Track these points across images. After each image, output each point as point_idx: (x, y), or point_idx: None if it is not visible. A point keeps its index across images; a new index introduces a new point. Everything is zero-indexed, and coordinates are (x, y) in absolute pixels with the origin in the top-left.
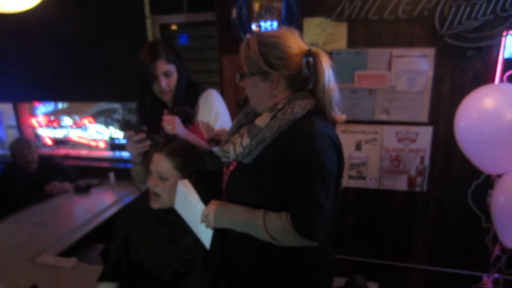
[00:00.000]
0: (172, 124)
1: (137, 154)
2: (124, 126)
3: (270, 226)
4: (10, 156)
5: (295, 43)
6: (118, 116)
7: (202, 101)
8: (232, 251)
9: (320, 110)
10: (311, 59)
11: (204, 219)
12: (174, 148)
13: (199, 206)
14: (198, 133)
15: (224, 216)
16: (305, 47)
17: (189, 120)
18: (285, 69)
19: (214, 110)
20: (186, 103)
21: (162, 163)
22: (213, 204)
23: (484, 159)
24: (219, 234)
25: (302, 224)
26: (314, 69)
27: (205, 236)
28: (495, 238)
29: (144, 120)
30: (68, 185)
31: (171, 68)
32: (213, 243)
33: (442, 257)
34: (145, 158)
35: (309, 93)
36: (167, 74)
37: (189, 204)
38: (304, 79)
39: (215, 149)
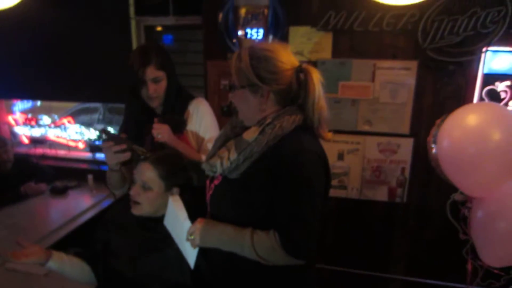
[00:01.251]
0: (163, 133)
1: (114, 163)
2: (103, 135)
3: (258, 246)
4: None
5: (287, 58)
6: (99, 115)
7: (192, 109)
8: (217, 269)
9: (308, 126)
10: (302, 75)
11: (189, 237)
12: (160, 157)
13: (186, 223)
14: (186, 141)
15: (210, 236)
16: (297, 63)
17: (178, 128)
18: (275, 83)
19: (205, 121)
20: (175, 110)
21: (147, 172)
22: (200, 223)
23: (465, 181)
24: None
25: (291, 244)
26: (304, 85)
27: (190, 254)
28: (473, 250)
29: (129, 124)
30: (44, 186)
31: (161, 74)
32: (199, 261)
33: (421, 268)
34: (123, 165)
35: (298, 108)
36: (156, 80)
37: (177, 221)
38: (294, 94)
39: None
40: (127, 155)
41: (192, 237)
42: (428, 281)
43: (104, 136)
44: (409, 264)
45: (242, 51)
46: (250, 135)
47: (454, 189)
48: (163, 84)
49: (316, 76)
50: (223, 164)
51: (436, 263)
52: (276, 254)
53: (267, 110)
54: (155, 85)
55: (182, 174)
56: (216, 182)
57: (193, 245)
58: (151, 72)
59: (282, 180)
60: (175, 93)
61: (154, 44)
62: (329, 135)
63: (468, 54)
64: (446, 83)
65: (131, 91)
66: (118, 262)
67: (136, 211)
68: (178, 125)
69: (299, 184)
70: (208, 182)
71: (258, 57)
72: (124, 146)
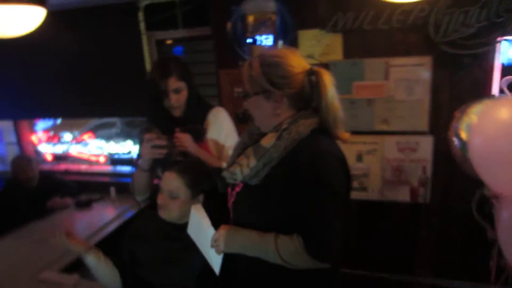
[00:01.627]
0: (185, 142)
1: (148, 159)
2: (147, 129)
3: (282, 250)
4: (11, 173)
5: (297, 61)
6: (117, 129)
7: (211, 118)
8: (242, 274)
9: (324, 129)
10: (313, 78)
11: (214, 243)
12: (185, 166)
13: (210, 231)
14: (207, 149)
15: (234, 241)
16: (307, 66)
17: (199, 137)
18: (287, 87)
19: (225, 129)
20: (195, 119)
21: (173, 181)
22: (223, 229)
23: (499, 179)
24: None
25: (314, 247)
26: (316, 87)
27: (215, 261)
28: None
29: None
30: (69, 200)
31: (182, 85)
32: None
33: (447, 270)
34: (152, 168)
35: (313, 111)
36: (177, 91)
37: (201, 228)
38: (307, 97)
39: None
40: (163, 152)
41: (217, 243)
42: (455, 282)
43: (147, 129)
44: (435, 266)
45: (252, 59)
46: (267, 141)
47: (480, 185)
48: (184, 94)
49: (327, 78)
50: (243, 171)
51: (463, 264)
52: (300, 258)
53: (282, 115)
54: (176, 95)
55: (207, 181)
56: (237, 189)
57: (218, 251)
58: (173, 83)
59: (302, 183)
60: (195, 102)
61: (173, 56)
62: (346, 135)
63: (483, 45)
64: (462, 76)
65: (152, 104)
66: (144, 272)
67: (164, 214)
68: (199, 133)
69: (319, 187)
70: (229, 189)
71: (269, 64)
72: (164, 142)
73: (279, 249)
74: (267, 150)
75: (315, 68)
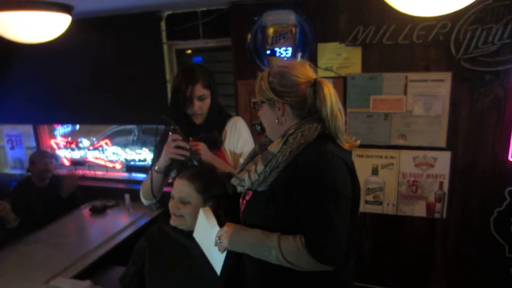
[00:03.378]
0: (198, 150)
1: (167, 160)
2: (173, 129)
3: (285, 249)
4: (28, 164)
5: (302, 72)
6: (134, 137)
7: (229, 128)
8: (249, 280)
9: (331, 136)
10: (316, 88)
11: (217, 240)
12: (195, 172)
13: (215, 229)
14: (223, 158)
15: (239, 237)
16: (313, 76)
17: (216, 145)
18: (289, 96)
19: (242, 138)
20: (214, 128)
21: (184, 188)
22: (228, 226)
23: None
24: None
25: (315, 246)
26: (318, 97)
27: (218, 261)
28: None
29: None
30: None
31: (206, 92)
32: (232, 274)
33: (462, 286)
34: (167, 170)
35: (318, 119)
36: (201, 98)
37: (207, 229)
38: (310, 107)
39: None
40: (185, 154)
41: (221, 240)
42: None
43: (174, 129)
44: (451, 284)
45: (265, 71)
46: (274, 147)
47: (499, 204)
48: (207, 102)
49: (328, 88)
50: (251, 177)
51: (480, 282)
52: (302, 258)
53: (286, 124)
54: (200, 102)
55: (218, 186)
56: (247, 197)
57: (221, 248)
58: (198, 90)
59: (306, 184)
60: (216, 111)
61: (199, 64)
62: (347, 144)
63: (505, 62)
64: (483, 93)
65: (174, 109)
66: (154, 282)
67: (175, 221)
68: (215, 142)
69: (322, 187)
70: (241, 199)
71: (275, 73)
72: (187, 145)
73: (282, 247)
74: (274, 155)
75: (319, 78)
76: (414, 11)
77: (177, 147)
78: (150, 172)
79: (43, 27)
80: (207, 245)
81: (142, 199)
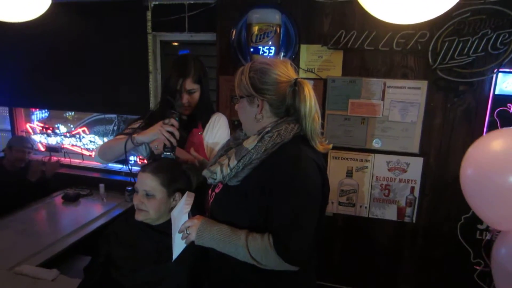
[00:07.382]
0: (160, 144)
1: (151, 138)
2: (173, 113)
3: (252, 246)
4: (5, 147)
5: (284, 71)
6: (114, 126)
7: (211, 122)
8: (213, 277)
9: (306, 137)
10: (295, 88)
11: (185, 230)
12: (159, 165)
13: (185, 217)
14: (200, 141)
15: (207, 232)
16: (294, 76)
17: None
18: (269, 94)
19: (220, 133)
20: (199, 121)
21: (147, 181)
22: (198, 219)
23: (490, 212)
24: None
25: (282, 246)
26: (298, 97)
27: (178, 247)
28: (485, 275)
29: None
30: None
31: (196, 87)
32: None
33: None
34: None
35: (295, 119)
36: (190, 92)
37: (180, 213)
38: (288, 107)
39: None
40: (173, 142)
41: (188, 231)
42: None
43: (179, 117)
44: (417, 286)
45: (246, 65)
46: (249, 143)
47: (465, 211)
48: (196, 96)
49: (308, 90)
50: (223, 170)
51: (446, 285)
52: (268, 256)
53: (263, 121)
54: (188, 96)
55: (183, 179)
56: (216, 190)
57: (188, 240)
58: (188, 84)
59: (278, 185)
60: (204, 105)
61: (194, 57)
62: (321, 147)
63: (479, 75)
64: (456, 103)
65: (164, 98)
66: (119, 273)
67: (141, 216)
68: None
69: (295, 190)
70: (209, 190)
71: (256, 70)
72: (178, 135)
73: (249, 246)
74: (248, 151)
75: (300, 79)
76: (389, 18)
77: (171, 133)
78: (128, 138)
79: (22, 5)
80: (175, 228)
81: (98, 158)
